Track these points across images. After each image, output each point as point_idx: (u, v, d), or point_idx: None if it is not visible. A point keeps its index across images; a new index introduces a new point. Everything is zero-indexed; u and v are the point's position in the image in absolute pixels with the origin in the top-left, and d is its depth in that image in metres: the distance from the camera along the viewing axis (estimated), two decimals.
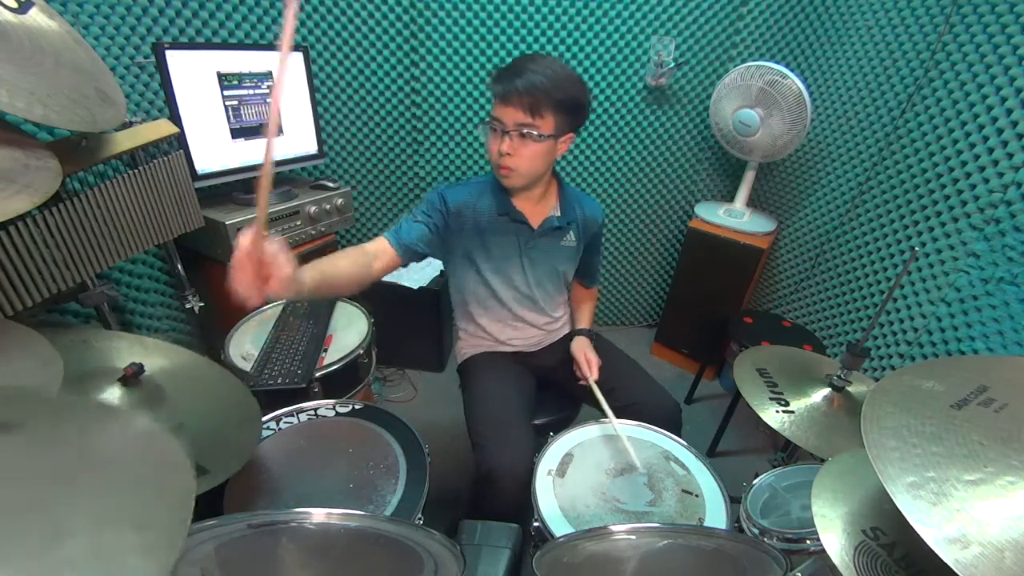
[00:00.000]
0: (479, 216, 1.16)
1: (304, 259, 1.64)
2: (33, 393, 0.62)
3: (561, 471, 0.97)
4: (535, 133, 1.02)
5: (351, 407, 1.07)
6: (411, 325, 2.05)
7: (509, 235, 1.19)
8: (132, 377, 0.78)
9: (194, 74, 1.32)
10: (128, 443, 0.48)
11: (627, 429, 1.09)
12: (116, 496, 0.41)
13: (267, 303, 1.03)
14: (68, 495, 0.39)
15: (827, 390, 1.01)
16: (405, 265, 1.16)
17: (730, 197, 2.14)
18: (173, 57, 1.26)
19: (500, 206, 1.16)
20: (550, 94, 0.99)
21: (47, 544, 0.35)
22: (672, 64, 1.87)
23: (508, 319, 1.30)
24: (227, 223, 1.40)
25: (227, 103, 1.41)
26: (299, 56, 1.56)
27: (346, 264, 1.02)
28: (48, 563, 0.34)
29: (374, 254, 1.08)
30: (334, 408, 1.07)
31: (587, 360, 1.23)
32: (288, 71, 0.88)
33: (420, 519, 0.85)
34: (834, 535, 0.63)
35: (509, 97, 1.00)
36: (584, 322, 1.39)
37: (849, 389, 1.00)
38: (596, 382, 1.20)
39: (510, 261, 1.22)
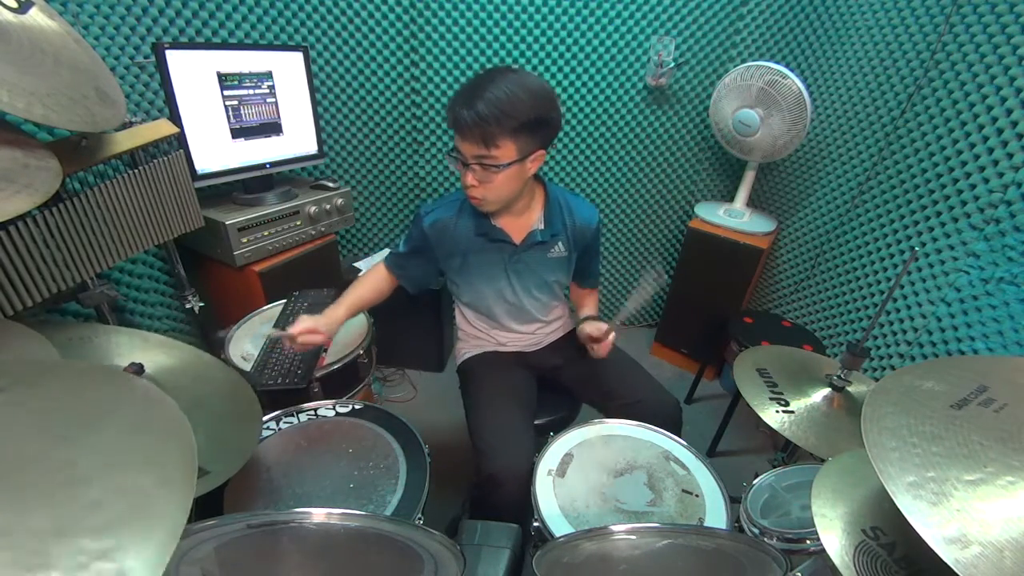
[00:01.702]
0: (459, 237, 1.14)
1: (304, 259, 1.66)
2: (36, 360, 0.64)
3: (561, 471, 0.97)
4: (495, 164, 0.97)
5: (351, 407, 1.07)
6: (411, 325, 2.05)
7: (491, 253, 1.16)
8: None
9: (194, 74, 1.32)
10: (125, 398, 0.52)
11: (627, 429, 1.09)
12: (123, 443, 0.45)
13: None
14: (78, 447, 0.43)
15: (827, 390, 1.01)
16: (410, 288, 1.27)
17: (730, 197, 2.14)
18: (173, 57, 1.26)
19: (478, 227, 1.13)
20: (502, 122, 0.92)
21: (70, 490, 0.39)
22: (672, 64, 1.87)
23: (499, 328, 1.31)
24: (227, 223, 1.40)
25: (227, 103, 1.41)
26: (299, 56, 1.56)
27: (372, 293, 1.23)
28: (76, 507, 0.38)
29: (384, 274, 1.24)
30: (334, 408, 1.07)
31: (596, 333, 1.14)
32: None
33: (420, 519, 0.85)
34: (834, 535, 0.63)
35: (461, 129, 0.95)
36: (588, 310, 1.33)
37: (849, 389, 1.00)
38: (602, 370, 1.20)
39: (496, 277, 1.20)
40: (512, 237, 1.15)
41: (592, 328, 1.15)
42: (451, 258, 1.18)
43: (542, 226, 1.16)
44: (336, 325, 1.13)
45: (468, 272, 1.20)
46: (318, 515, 0.58)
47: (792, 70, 1.66)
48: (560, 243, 1.19)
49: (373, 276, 1.24)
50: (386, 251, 2.15)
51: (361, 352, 1.27)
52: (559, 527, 0.85)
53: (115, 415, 0.48)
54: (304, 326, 1.05)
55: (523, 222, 1.16)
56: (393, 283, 1.25)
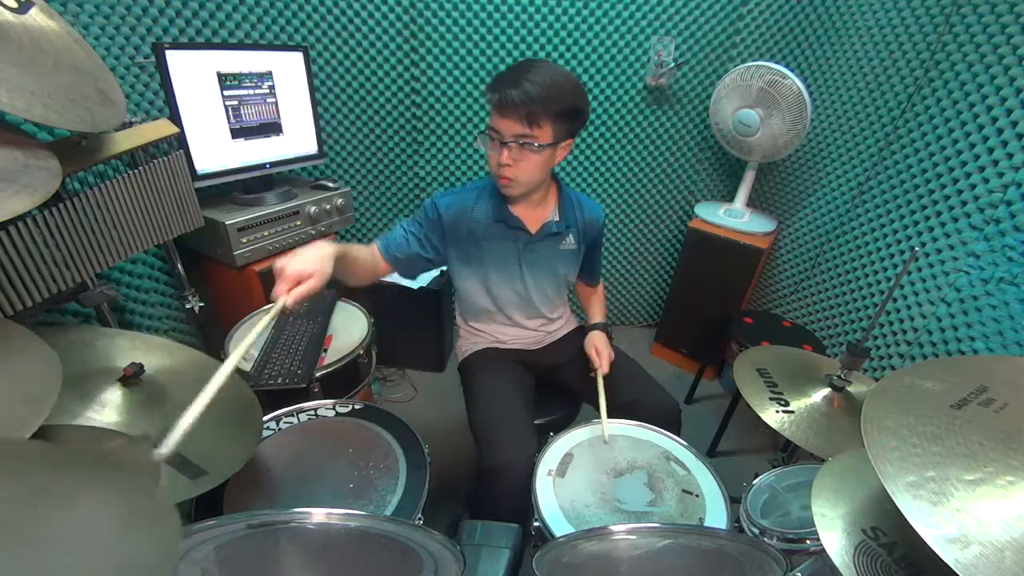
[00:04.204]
0: (475, 223, 1.16)
1: None
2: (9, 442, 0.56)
3: (561, 471, 0.97)
4: (534, 144, 1.00)
5: (351, 407, 1.07)
6: (411, 325, 2.05)
7: (506, 240, 1.18)
8: (132, 377, 0.78)
9: (194, 74, 1.32)
10: (113, 496, 0.45)
11: (627, 429, 1.09)
12: (106, 548, 0.40)
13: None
14: (58, 552, 0.38)
15: (827, 390, 1.01)
16: (400, 272, 1.21)
17: (730, 197, 2.14)
18: (173, 57, 1.26)
19: (497, 213, 1.15)
20: (547, 104, 0.97)
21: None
22: (672, 64, 1.87)
23: (505, 321, 1.31)
24: (227, 223, 1.40)
25: (227, 103, 1.41)
26: (299, 56, 1.56)
27: (362, 254, 1.10)
28: None
29: (375, 254, 1.16)
30: (334, 408, 1.07)
31: (598, 352, 1.22)
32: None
33: (420, 519, 0.85)
34: (834, 535, 0.63)
35: (505, 108, 0.98)
36: (597, 317, 1.36)
37: (849, 389, 1.00)
38: (604, 377, 1.19)
39: (508, 266, 1.21)
40: (528, 226, 1.17)
41: (592, 350, 1.24)
42: (464, 244, 1.18)
43: (557, 218, 1.20)
44: (328, 260, 0.89)
45: (481, 258, 1.20)
46: (318, 515, 0.58)
47: (792, 70, 1.66)
48: (572, 236, 1.22)
49: (368, 248, 1.15)
50: None
51: (361, 352, 1.26)
52: (559, 527, 0.85)
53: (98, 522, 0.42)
54: (288, 275, 0.83)
55: (539, 213, 1.19)
56: (379, 268, 1.16)
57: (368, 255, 1.13)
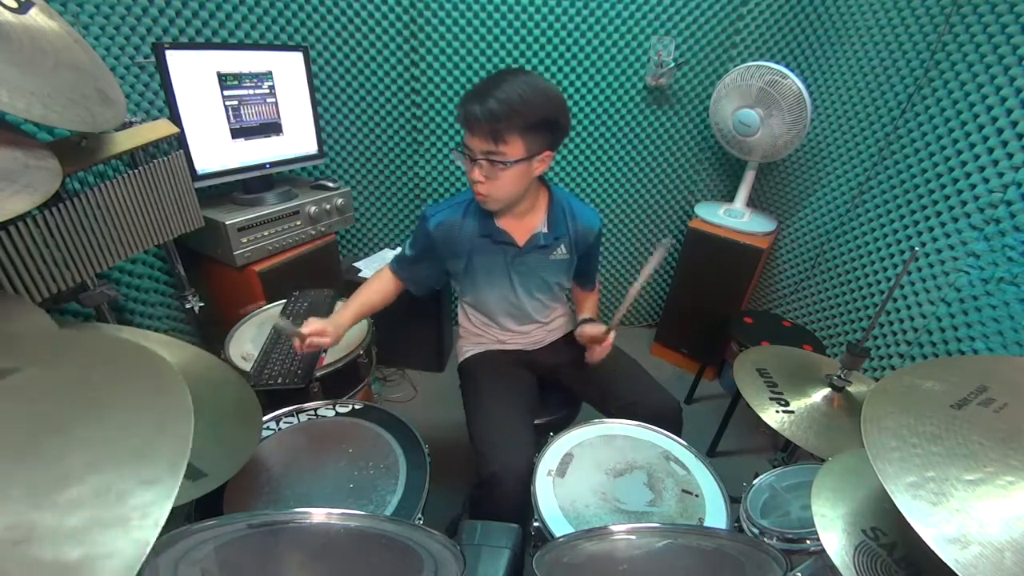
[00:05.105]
0: (463, 237, 1.15)
1: (304, 259, 1.66)
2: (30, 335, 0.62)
3: (561, 471, 0.97)
4: (503, 161, 0.98)
5: (351, 407, 1.07)
6: (411, 325, 2.05)
7: (495, 254, 1.17)
8: None
9: (194, 74, 1.32)
10: (124, 372, 0.49)
11: (627, 429, 1.09)
12: (115, 431, 0.43)
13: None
14: (68, 436, 0.41)
15: (827, 390, 1.01)
16: (415, 291, 1.28)
17: (730, 197, 2.14)
18: (173, 57, 1.26)
19: (483, 227, 1.13)
20: (512, 120, 0.94)
21: (51, 487, 0.37)
22: (672, 64, 1.87)
23: (500, 327, 1.31)
24: (227, 223, 1.40)
25: (227, 103, 1.41)
26: (299, 56, 1.56)
27: (378, 297, 1.23)
28: (56, 506, 0.36)
29: (390, 278, 1.24)
30: (334, 408, 1.07)
31: (594, 331, 1.16)
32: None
33: (420, 519, 0.85)
34: (834, 535, 0.63)
35: (471, 125, 0.97)
36: (587, 313, 1.33)
37: (849, 389, 1.00)
38: (604, 376, 1.19)
39: (498, 278, 1.20)
40: (515, 239, 1.16)
41: (592, 328, 1.18)
42: (456, 259, 1.18)
43: (545, 229, 1.17)
44: (343, 330, 1.13)
45: (472, 273, 1.20)
46: (318, 515, 0.58)
47: (792, 70, 1.66)
48: (563, 245, 1.20)
49: (379, 281, 1.24)
50: (386, 251, 2.15)
51: (361, 352, 1.27)
52: (559, 527, 0.85)
53: (116, 406, 0.46)
54: (314, 327, 1.05)
55: (526, 224, 1.17)
56: (399, 287, 1.25)
57: (379, 292, 1.23)
